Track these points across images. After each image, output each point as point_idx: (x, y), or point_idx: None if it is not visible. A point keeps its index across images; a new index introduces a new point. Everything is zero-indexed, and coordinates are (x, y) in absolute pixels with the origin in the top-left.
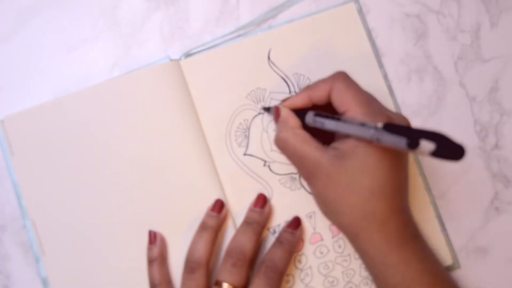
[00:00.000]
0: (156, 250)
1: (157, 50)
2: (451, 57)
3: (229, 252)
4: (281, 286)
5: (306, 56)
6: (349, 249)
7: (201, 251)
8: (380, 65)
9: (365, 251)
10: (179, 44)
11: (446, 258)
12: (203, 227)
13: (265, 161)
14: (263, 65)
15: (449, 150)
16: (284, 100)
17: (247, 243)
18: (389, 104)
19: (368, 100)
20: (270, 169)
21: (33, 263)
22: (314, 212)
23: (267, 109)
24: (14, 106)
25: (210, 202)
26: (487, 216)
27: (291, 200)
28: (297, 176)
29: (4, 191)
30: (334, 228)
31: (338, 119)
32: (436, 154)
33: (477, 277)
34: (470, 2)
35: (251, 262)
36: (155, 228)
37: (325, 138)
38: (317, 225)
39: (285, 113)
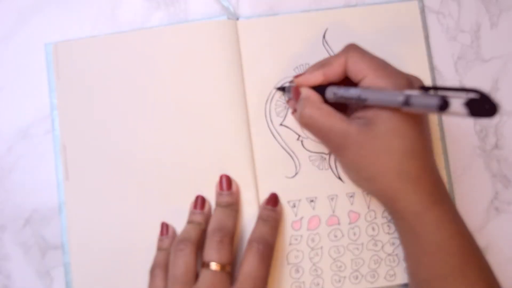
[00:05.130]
0: (167, 242)
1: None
2: (451, 57)
3: (211, 232)
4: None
5: (360, 43)
6: (363, 238)
7: (191, 233)
8: (431, 67)
9: (399, 212)
10: None
11: None
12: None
13: (299, 136)
14: (317, 42)
15: (481, 106)
16: (297, 76)
17: (227, 221)
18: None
19: (384, 65)
20: (302, 145)
21: (33, 263)
22: (336, 196)
23: (282, 89)
24: (14, 105)
25: (238, 166)
26: (487, 216)
27: (316, 179)
28: (327, 156)
29: (4, 191)
30: (353, 214)
31: (363, 88)
32: (469, 110)
33: None
34: (470, 2)
35: (233, 239)
36: (181, 182)
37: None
38: (336, 209)
39: (306, 90)
